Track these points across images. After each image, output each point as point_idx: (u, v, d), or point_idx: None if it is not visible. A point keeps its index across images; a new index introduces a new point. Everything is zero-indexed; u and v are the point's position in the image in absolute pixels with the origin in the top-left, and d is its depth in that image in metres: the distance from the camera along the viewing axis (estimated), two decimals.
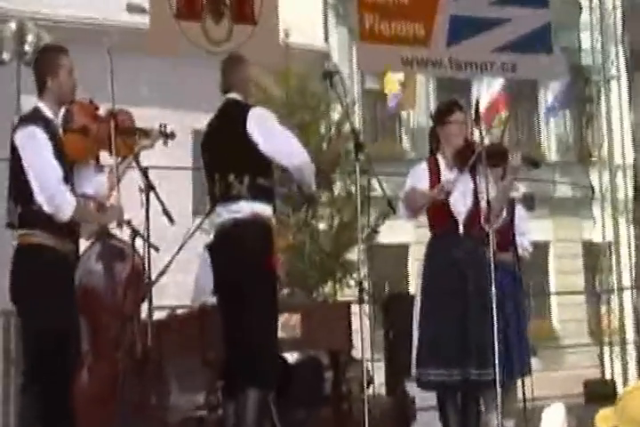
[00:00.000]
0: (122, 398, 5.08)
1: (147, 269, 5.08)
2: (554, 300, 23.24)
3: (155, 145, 5.54)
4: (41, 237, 4.95)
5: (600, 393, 10.65)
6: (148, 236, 4.95)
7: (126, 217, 5.18)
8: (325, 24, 20.55)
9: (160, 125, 5.57)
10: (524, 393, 6.75)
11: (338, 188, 15.21)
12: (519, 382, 6.86)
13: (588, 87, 19.32)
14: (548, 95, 22.33)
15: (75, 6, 17.19)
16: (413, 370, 5.89)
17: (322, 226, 15.08)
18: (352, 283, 14.53)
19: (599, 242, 15.00)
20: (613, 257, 14.22)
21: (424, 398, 6.95)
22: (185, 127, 13.29)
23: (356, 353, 6.34)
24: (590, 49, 16.19)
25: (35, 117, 5.07)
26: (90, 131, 5.20)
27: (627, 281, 13.65)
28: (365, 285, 6.58)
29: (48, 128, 5.01)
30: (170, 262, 4.95)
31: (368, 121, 20.70)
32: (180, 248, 5.04)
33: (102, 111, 5.30)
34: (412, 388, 6.88)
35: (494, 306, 5.41)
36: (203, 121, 6.01)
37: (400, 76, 19.04)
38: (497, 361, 5.34)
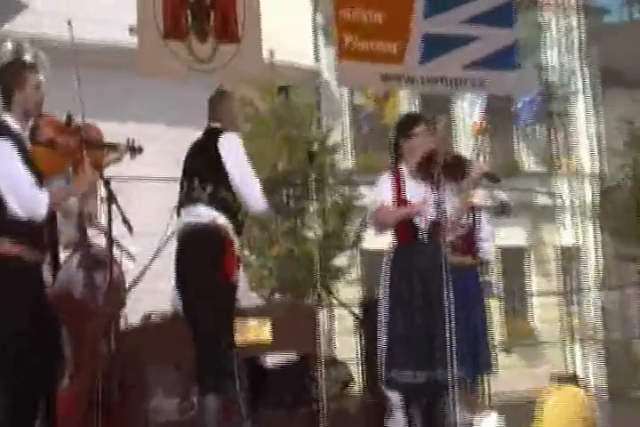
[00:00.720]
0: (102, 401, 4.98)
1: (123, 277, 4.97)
2: (534, 301, 23.18)
3: (122, 159, 5.54)
4: (7, 246, 4.76)
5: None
6: (111, 244, 4.83)
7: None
8: (315, 44, 20.55)
9: (128, 140, 5.55)
10: (489, 389, 6.66)
11: (325, 199, 15.15)
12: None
13: (556, 102, 19.30)
14: (523, 110, 22.35)
15: (77, 30, 17.06)
16: (381, 371, 5.77)
17: (310, 234, 15.00)
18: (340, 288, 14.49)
19: (569, 246, 14.95)
20: (581, 260, 14.17)
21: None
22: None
23: (340, 355, 6.23)
24: (557, 66, 16.15)
25: (1, 130, 4.92)
26: (57, 144, 5.10)
27: (593, 282, 13.60)
28: (324, 292, 6.53)
29: (15, 140, 4.87)
30: (144, 270, 4.87)
31: (360, 135, 20.73)
32: (155, 256, 4.96)
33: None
34: None
35: (448, 309, 5.29)
36: None
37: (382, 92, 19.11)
38: (452, 361, 5.23)
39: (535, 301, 22.92)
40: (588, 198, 14.89)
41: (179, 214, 5.66)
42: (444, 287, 5.45)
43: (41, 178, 4.90)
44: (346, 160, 18.61)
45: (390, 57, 8.37)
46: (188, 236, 5.49)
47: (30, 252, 4.79)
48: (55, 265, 5.28)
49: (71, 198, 5.22)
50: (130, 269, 5.17)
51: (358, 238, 15.63)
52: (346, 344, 9.35)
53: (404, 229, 5.90)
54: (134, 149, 5.57)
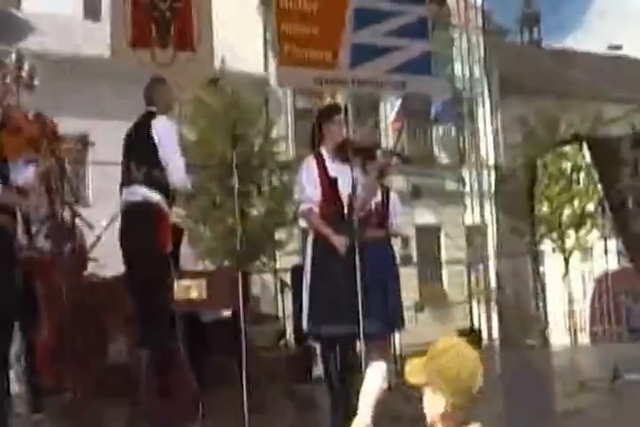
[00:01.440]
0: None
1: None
2: (444, 269, 23.35)
3: (75, 150, 5.35)
4: None
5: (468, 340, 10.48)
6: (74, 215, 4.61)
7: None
8: (265, 55, 20.36)
9: (80, 135, 5.44)
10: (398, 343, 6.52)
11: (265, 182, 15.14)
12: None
13: (463, 105, 19.38)
14: (437, 112, 22.39)
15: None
16: (304, 325, 5.53)
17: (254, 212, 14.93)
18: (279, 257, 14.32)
19: (474, 224, 15.01)
20: (481, 235, 14.26)
21: None
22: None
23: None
24: (465, 75, 16.18)
25: None
26: (21, 131, 4.93)
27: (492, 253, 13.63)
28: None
29: None
30: (98, 238, 4.68)
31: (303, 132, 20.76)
32: (106, 227, 4.76)
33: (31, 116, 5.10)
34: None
35: (362, 274, 5.10)
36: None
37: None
38: (360, 316, 5.06)
39: (445, 269, 23.06)
40: (489, 185, 14.97)
41: (121, 193, 5.36)
42: (355, 256, 5.28)
43: (5, 161, 4.77)
44: (287, 151, 18.55)
45: (324, 63, 8.25)
46: (126, 213, 5.22)
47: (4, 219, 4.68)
48: (29, 233, 5.15)
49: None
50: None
51: (295, 217, 15.55)
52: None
53: (327, 206, 5.62)
54: (86, 143, 5.49)
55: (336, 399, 5.50)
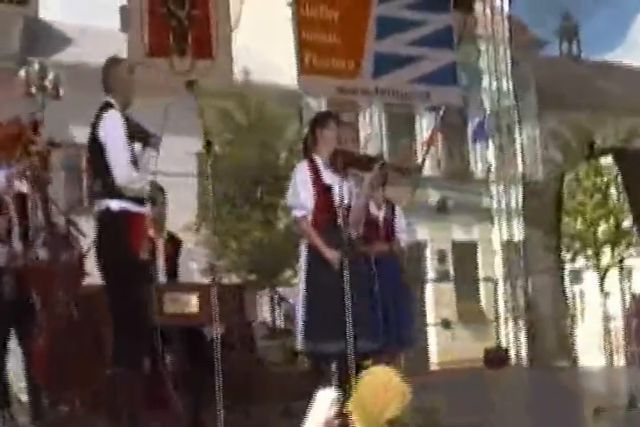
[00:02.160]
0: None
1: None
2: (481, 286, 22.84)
3: (44, 151, 5.18)
4: None
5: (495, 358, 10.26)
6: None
7: None
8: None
9: (49, 138, 5.28)
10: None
11: None
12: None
13: (502, 120, 19.05)
14: (474, 128, 22.09)
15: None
16: (299, 344, 5.26)
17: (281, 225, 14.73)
18: None
19: (508, 240, 14.68)
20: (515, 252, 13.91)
21: None
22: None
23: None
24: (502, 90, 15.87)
25: None
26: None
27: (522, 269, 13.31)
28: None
29: None
30: (88, 249, 4.51)
31: None
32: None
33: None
34: None
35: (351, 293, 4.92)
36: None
37: None
38: (349, 332, 4.86)
39: (482, 286, 22.62)
40: (523, 200, 14.65)
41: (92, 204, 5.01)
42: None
43: None
44: None
45: (346, 72, 8.11)
46: (95, 226, 4.79)
47: None
48: (26, 241, 5.05)
49: None
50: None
51: None
52: None
53: (320, 214, 5.35)
54: (53, 144, 5.31)
55: None
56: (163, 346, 5.05)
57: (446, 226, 22.24)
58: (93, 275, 4.92)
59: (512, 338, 12.17)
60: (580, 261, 20.62)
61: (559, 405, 6.62)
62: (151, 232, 6.11)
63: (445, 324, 14.85)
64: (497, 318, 13.08)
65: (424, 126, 22.51)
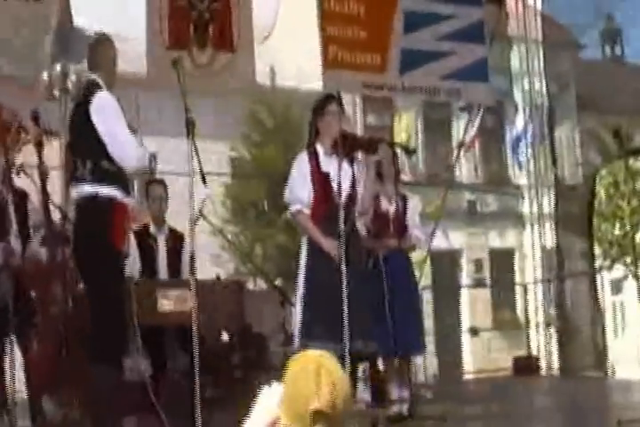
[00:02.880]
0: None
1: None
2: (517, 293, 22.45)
3: (33, 141, 4.95)
4: None
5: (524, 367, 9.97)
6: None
7: None
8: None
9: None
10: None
11: None
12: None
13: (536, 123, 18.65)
14: (513, 132, 21.74)
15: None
16: (295, 342, 4.99)
17: None
18: None
19: (545, 247, 14.31)
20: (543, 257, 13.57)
21: None
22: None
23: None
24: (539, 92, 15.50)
25: None
26: None
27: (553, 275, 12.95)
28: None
29: None
30: None
31: None
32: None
33: None
34: None
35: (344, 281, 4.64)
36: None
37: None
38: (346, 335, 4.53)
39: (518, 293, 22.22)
40: (560, 206, 14.28)
41: (67, 192, 4.78)
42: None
43: None
44: None
45: (372, 67, 7.87)
46: (75, 214, 4.52)
47: None
48: (23, 239, 4.87)
49: None
50: None
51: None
52: None
53: (319, 205, 5.12)
54: (47, 132, 5.03)
55: None
56: (153, 346, 4.86)
57: (482, 232, 21.92)
58: None
59: (543, 346, 11.81)
60: (620, 270, 20.15)
61: (582, 415, 6.32)
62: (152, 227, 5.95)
63: (474, 332, 14.50)
64: (528, 326, 12.72)
65: (461, 130, 22.24)
